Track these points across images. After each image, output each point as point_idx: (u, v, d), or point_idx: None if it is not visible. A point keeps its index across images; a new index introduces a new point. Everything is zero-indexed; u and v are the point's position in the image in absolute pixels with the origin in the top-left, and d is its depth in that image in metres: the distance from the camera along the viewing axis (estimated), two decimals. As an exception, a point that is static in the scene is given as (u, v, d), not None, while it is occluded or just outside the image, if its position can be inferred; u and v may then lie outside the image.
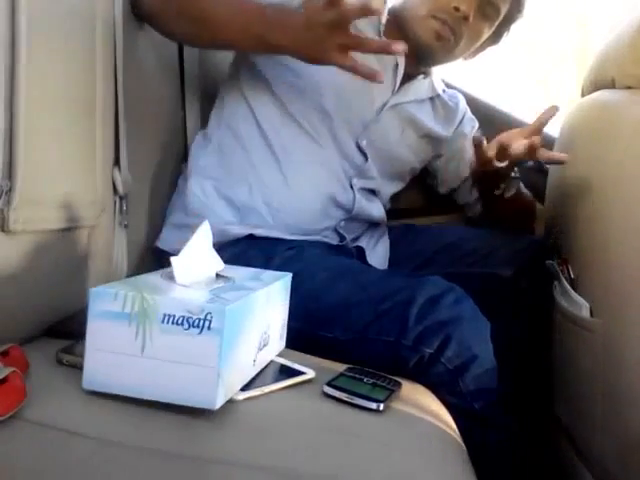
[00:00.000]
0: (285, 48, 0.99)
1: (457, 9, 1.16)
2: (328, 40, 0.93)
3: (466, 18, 1.17)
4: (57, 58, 0.82)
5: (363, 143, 1.20)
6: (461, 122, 1.38)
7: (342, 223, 1.21)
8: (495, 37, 1.29)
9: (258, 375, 0.79)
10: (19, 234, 0.73)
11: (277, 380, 0.77)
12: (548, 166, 1.27)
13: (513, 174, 1.17)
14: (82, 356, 0.73)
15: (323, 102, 1.16)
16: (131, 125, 1.04)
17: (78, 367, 0.73)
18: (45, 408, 0.64)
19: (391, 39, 1.21)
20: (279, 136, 1.16)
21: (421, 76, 1.30)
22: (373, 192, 1.26)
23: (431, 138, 1.32)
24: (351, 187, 1.20)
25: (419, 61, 1.27)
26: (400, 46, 0.93)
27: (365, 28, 1.20)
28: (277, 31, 0.97)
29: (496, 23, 1.25)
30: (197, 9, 1.03)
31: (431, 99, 1.33)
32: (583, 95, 1.11)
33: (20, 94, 0.72)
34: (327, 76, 1.15)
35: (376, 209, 1.27)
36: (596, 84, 1.04)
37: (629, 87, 0.94)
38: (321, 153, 1.17)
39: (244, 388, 0.72)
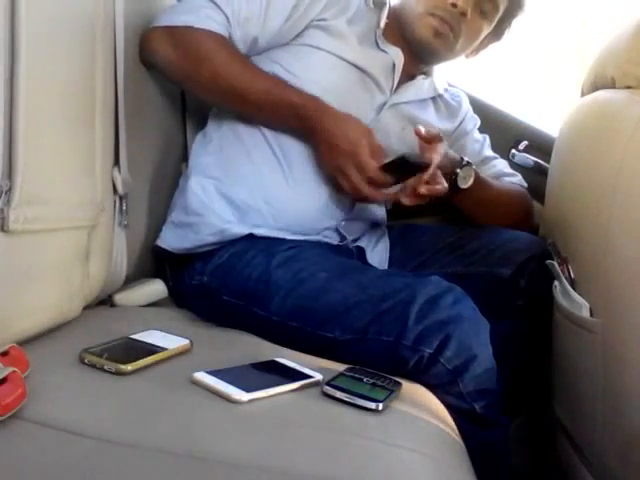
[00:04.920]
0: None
1: (454, 5, 1.16)
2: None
3: (464, 14, 1.17)
4: (57, 58, 0.82)
5: (362, 143, 1.20)
6: (463, 120, 1.38)
7: (343, 223, 1.20)
8: (496, 33, 1.29)
9: (264, 377, 0.79)
10: (19, 234, 0.73)
11: (283, 383, 0.77)
12: (548, 166, 1.27)
13: (464, 161, 1.16)
14: (105, 358, 0.73)
15: None
16: (131, 125, 1.04)
17: (97, 368, 0.74)
18: (45, 408, 0.64)
19: (391, 39, 1.23)
20: (279, 136, 1.15)
21: (421, 76, 1.30)
22: (374, 192, 1.26)
23: None
24: (351, 187, 1.19)
25: (420, 60, 1.27)
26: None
27: (363, 32, 1.21)
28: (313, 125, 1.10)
29: (496, 19, 1.24)
30: (230, 84, 1.10)
31: (433, 99, 1.33)
32: (583, 95, 1.11)
33: (20, 94, 0.72)
34: (324, 77, 1.16)
35: (377, 209, 1.27)
36: (596, 84, 1.04)
37: (629, 87, 0.94)
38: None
39: (249, 389, 0.72)
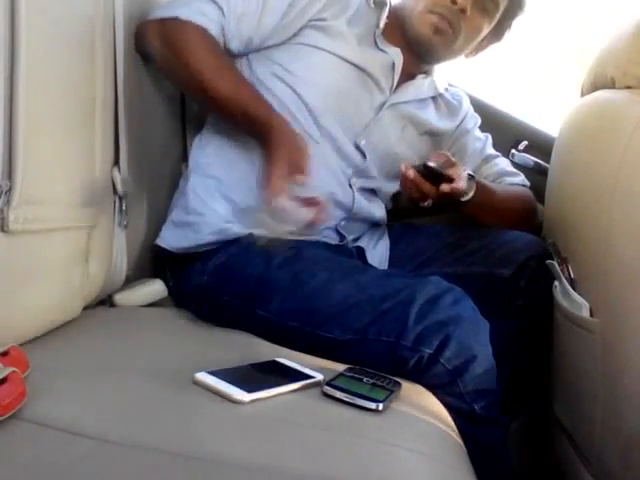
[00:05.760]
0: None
1: (454, 2, 1.16)
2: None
3: (463, 11, 1.17)
4: (57, 58, 0.82)
5: (362, 143, 1.20)
6: (464, 119, 1.38)
7: (342, 223, 1.20)
8: (496, 33, 1.29)
9: (265, 377, 0.79)
10: (19, 234, 0.73)
11: (283, 383, 0.77)
12: (548, 166, 1.27)
13: (466, 174, 1.16)
14: None
15: (319, 102, 1.16)
16: (131, 125, 1.04)
17: None
18: (45, 408, 0.64)
19: (391, 39, 1.23)
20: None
21: (421, 76, 1.30)
22: (374, 192, 1.26)
23: (432, 135, 1.32)
24: (350, 186, 1.20)
25: (420, 59, 1.26)
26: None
27: (362, 32, 1.21)
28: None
29: (496, 18, 1.24)
30: (198, 81, 1.10)
31: (433, 98, 1.33)
32: (583, 95, 1.11)
33: (20, 94, 0.72)
34: (324, 77, 1.16)
35: (377, 209, 1.27)
36: (596, 84, 1.04)
37: (629, 87, 0.94)
38: (319, 152, 1.16)
39: (250, 390, 0.72)
